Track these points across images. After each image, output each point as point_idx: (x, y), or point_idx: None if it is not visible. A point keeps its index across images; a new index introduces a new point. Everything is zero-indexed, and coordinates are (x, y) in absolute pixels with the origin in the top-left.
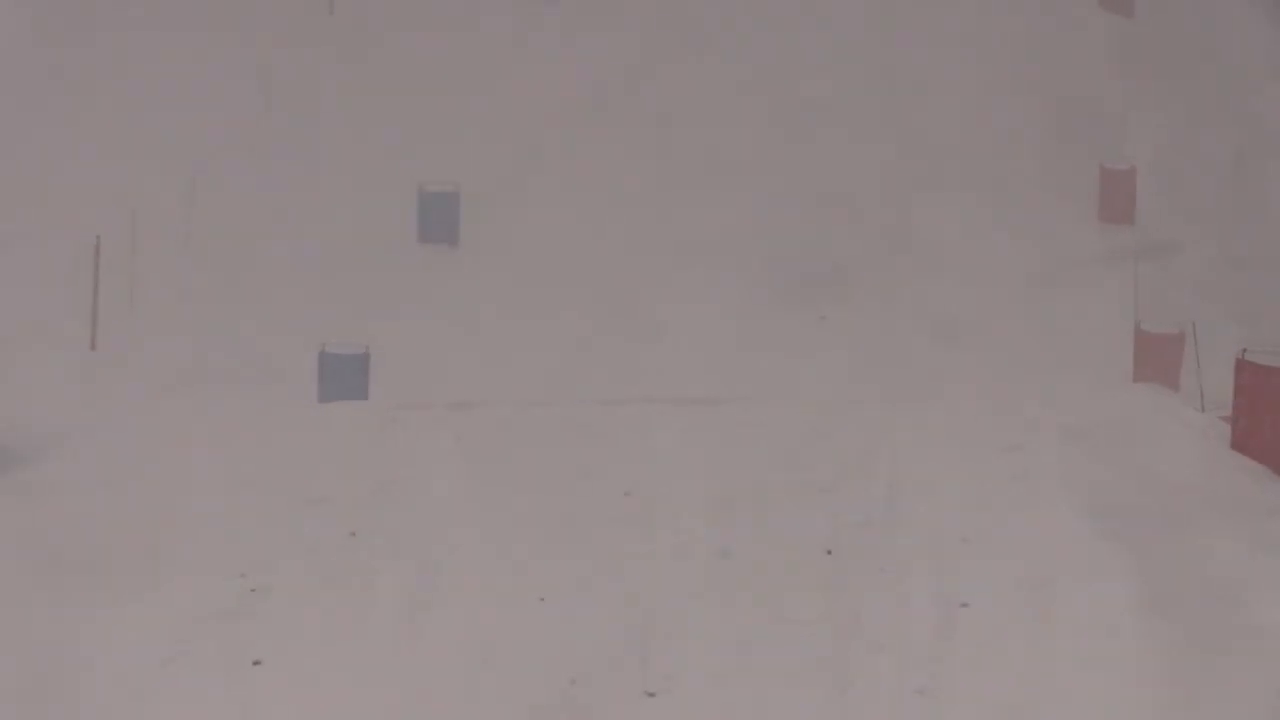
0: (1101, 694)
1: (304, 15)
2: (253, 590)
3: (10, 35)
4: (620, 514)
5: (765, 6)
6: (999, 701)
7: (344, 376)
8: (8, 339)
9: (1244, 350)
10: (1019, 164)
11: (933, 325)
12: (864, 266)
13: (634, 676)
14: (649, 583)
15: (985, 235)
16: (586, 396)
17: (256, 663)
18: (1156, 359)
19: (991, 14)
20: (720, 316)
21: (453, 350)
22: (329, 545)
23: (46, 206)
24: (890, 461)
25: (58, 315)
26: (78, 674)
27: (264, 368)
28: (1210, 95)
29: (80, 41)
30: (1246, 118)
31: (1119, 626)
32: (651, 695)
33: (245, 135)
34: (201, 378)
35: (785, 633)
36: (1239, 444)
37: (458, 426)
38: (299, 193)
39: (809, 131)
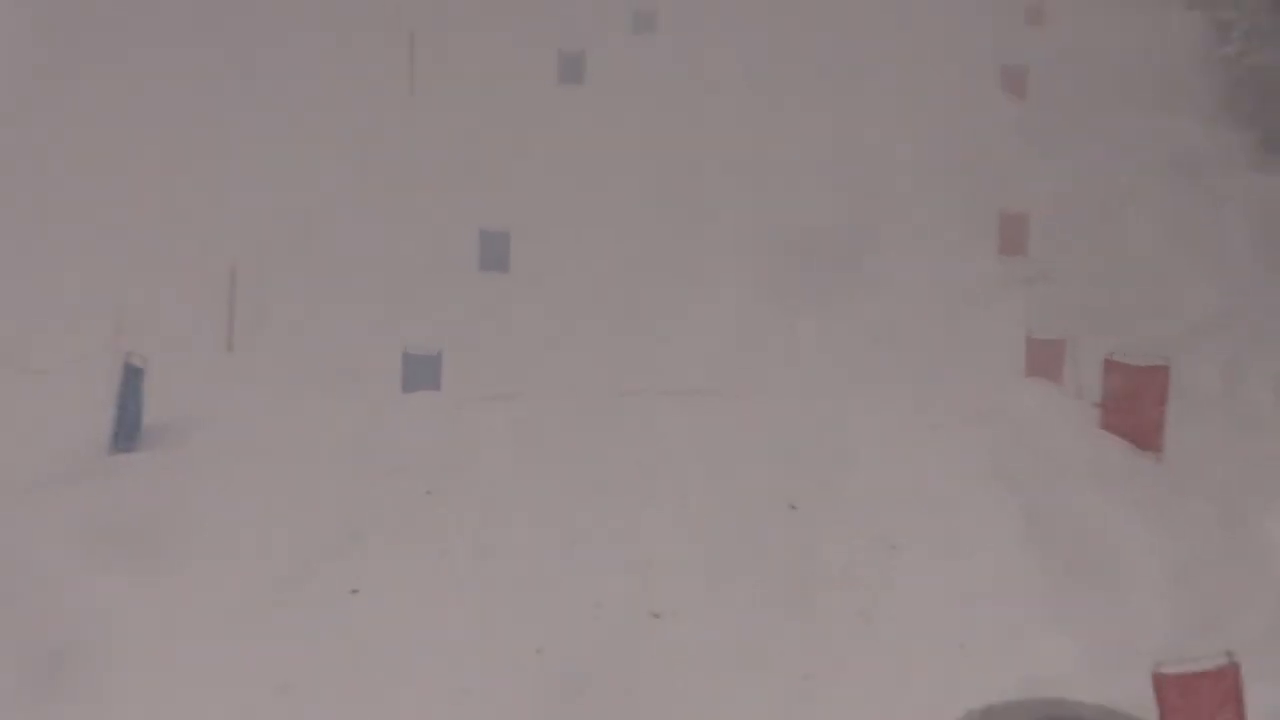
0: (1001, 612)
1: (392, 95)
2: (351, 536)
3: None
4: (632, 479)
5: (753, 92)
6: (922, 620)
7: (421, 373)
8: (168, 342)
9: (1111, 353)
10: (939, 209)
11: (874, 334)
12: (823, 290)
13: (643, 602)
14: (655, 531)
15: (913, 264)
16: (607, 389)
17: (354, 591)
18: (1043, 360)
19: (921, 96)
20: (712, 328)
21: (505, 353)
22: (410, 501)
23: (197, 239)
24: (841, 437)
25: (204, 325)
26: (211, 594)
27: (361, 366)
28: (1083, 156)
29: (218, 114)
30: (1110, 174)
31: (1013, 560)
32: (656, 616)
33: (348, 186)
34: (313, 374)
35: (760, 566)
36: (1107, 425)
37: (508, 411)
38: (388, 230)
39: (787, 184)
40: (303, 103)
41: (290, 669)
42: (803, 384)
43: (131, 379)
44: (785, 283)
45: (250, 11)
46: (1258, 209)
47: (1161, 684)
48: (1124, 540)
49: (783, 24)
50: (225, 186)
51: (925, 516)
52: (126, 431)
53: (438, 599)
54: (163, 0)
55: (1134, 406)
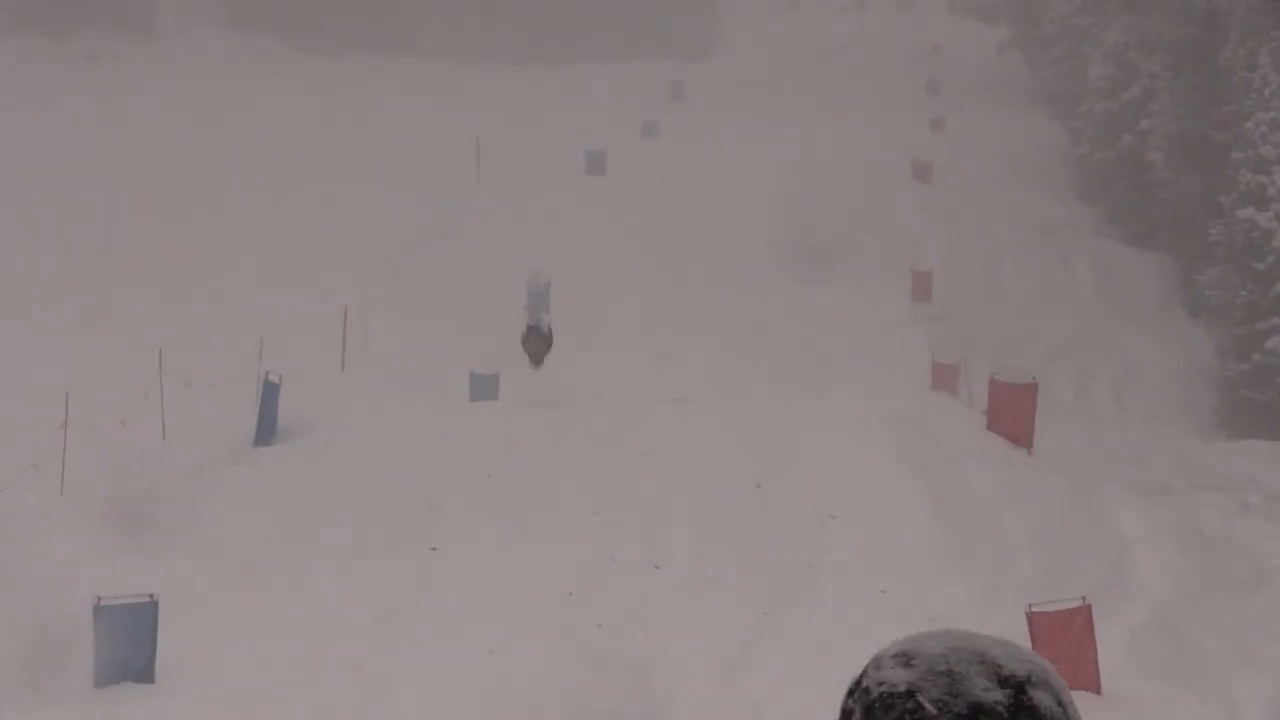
0: (912, 566)
1: (463, 182)
2: (430, 507)
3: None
4: (640, 464)
5: (727, 182)
6: (853, 572)
7: (484, 387)
8: (297, 364)
9: (994, 373)
10: (867, 265)
11: (818, 359)
12: (780, 328)
13: (647, 556)
14: (656, 503)
15: (848, 306)
16: (622, 399)
17: (433, 549)
18: (943, 378)
19: (856, 183)
20: (699, 354)
21: (545, 373)
22: (475, 482)
23: (318, 288)
24: (794, 434)
25: (323, 351)
26: (327, 548)
27: (438, 382)
28: (973, 227)
29: (334, 192)
30: (992, 239)
31: (921, 527)
32: (657, 567)
33: (430, 248)
34: (403, 388)
35: (732, 529)
36: (991, 427)
37: (549, 415)
38: (460, 281)
39: (754, 250)
40: (399, 187)
41: (385, 606)
42: (766, 395)
43: (270, 392)
44: (753, 319)
45: (363, 120)
46: (1100, 264)
47: (1033, 620)
48: (1003, 512)
49: (750, 135)
50: (339, 248)
51: (856, 494)
52: (266, 431)
53: (495, 554)
54: (316, 106)
55: (1011, 414)
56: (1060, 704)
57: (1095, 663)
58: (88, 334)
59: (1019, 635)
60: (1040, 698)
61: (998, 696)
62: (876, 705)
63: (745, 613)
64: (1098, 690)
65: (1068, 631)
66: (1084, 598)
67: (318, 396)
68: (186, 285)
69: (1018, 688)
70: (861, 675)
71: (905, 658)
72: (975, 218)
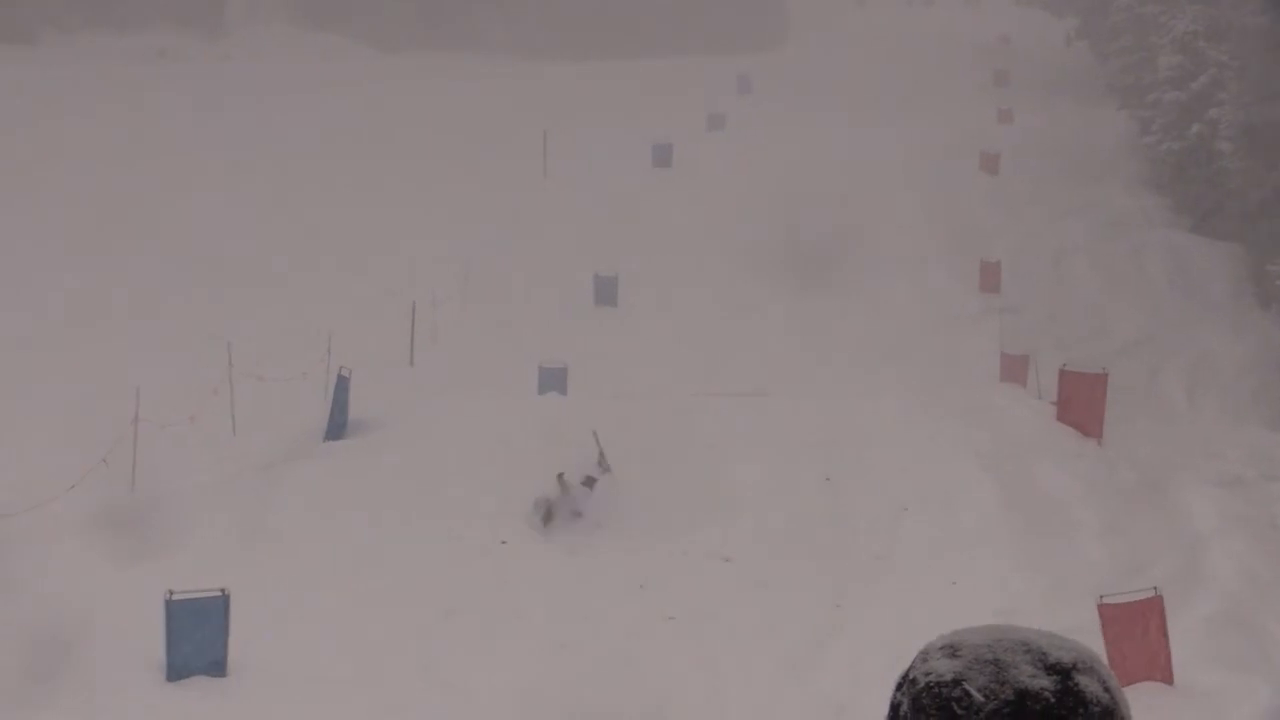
0: (982, 558)
1: (531, 177)
2: (502, 501)
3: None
4: (709, 459)
5: (794, 173)
6: (923, 563)
7: (552, 380)
8: (366, 359)
9: (1063, 365)
10: (936, 260)
11: (885, 351)
12: (845, 320)
13: (718, 549)
14: (726, 496)
15: (918, 300)
16: (691, 392)
17: (503, 542)
18: (1013, 370)
19: (924, 177)
20: (769, 348)
21: (613, 366)
22: (544, 463)
23: (387, 286)
24: (864, 427)
25: (392, 346)
26: (394, 536)
27: (507, 376)
28: (1042, 219)
29: (403, 195)
30: (1060, 230)
31: (991, 519)
32: (727, 560)
33: (498, 244)
34: (472, 382)
35: (802, 522)
36: (1060, 418)
37: (618, 409)
38: (527, 276)
39: (823, 243)
40: (467, 183)
41: (457, 600)
42: (837, 389)
43: (341, 386)
44: (821, 311)
45: (429, 116)
46: (1169, 256)
47: (1104, 612)
48: (1073, 504)
49: (817, 127)
50: (407, 246)
51: (926, 486)
52: (337, 425)
53: (566, 548)
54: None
55: (1081, 404)
56: (1107, 690)
57: (1167, 654)
58: (159, 329)
59: (1090, 627)
60: (1086, 684)
61: (1044, 683)
62: (924, 696)
63: (816, 606)
64: (1170, 681)
65: (1139, 623)
66: (1155, 589)
67: (388, 391)
68: (256, 280)
69: (1064, 674)
70: (909, 668)
71: (952, 649)
72: (1043, 209)
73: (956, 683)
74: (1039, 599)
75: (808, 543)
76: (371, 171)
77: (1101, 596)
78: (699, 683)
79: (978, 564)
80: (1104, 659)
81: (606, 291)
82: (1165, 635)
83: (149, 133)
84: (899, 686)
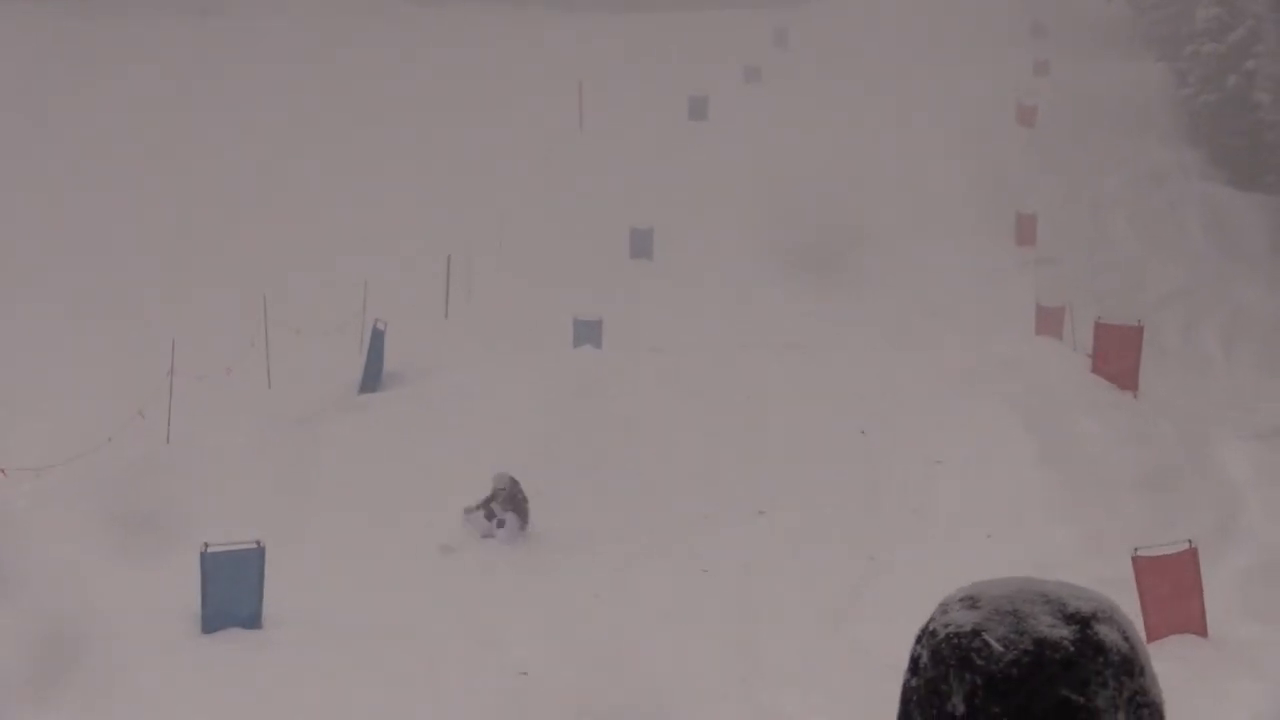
0: (1017, 510)
1: (566, 129)
2: (535, 453)
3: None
4: (744, 410)
5: (829, 125)
6: (958, 516)
7: (587, 333)
8: (401, 311)
9: (1099, 317)
10: (971, 213)
11: (922, 302)
12: (884, 275)
13: (751, 502)
14: (761, 449)
15: (953, 254)
16: (725, 344)
17: (538, 494)
18: (1049, 322)
19: (960, 129)
20: (804, 300)
21: (648, 319)
22: (579, 427)
23: (422, 236)
24: (899, 380)
25: (427, 298)
26: (431, 485)
27: (541, 328)
28: (1079, 171)
29: (438, 145)
30: (1097, 183)
31: (1027, 471)
32: (761, 513)
33: (533, 195)
34: (506, 335)
35: (837, 475)
36: (1096, 371)
37: (653, 361)
38: (563, 228)
39: (856, 194)
40: (503, 136)
41: (493, 553)
42: (872, 342)
43: (376, 339)
44: (855, 265)
45: (464, 68)
46: (1206, 208)
47: (1139, 564)
48: (1109, 456)
49: (852, 76)
50: (441, 197)
51: (961, 439)
52: (372, 378)
53: (599, 501)
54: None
55: (1117, 357)
56: (1126, 639)
57: (1202, 606)
58: (195, 282)
59: (1126, 579)
60: (1105, 632)
61: (1063, 633)
62: (943, 646)
63: (851, 558)
64: (1204, 634)
65: (1174, 575)
66: (1190, 542)
67: (423, 344)
68: (293, 233)
69: (1083, 624)
70: (929, 620)
71: (971, 601)
72: (1080, 162)
73: (976, 633)
74: (1074, 551)
75: (842, 495)
76: (407, 124)
77: (1136, 549)
78: (734, 634)
79: (1013, 517)
80: (1137, 611)
81: (642, 244)
82: (1200, 588)
83: (198, 84)
84: (919, 639)
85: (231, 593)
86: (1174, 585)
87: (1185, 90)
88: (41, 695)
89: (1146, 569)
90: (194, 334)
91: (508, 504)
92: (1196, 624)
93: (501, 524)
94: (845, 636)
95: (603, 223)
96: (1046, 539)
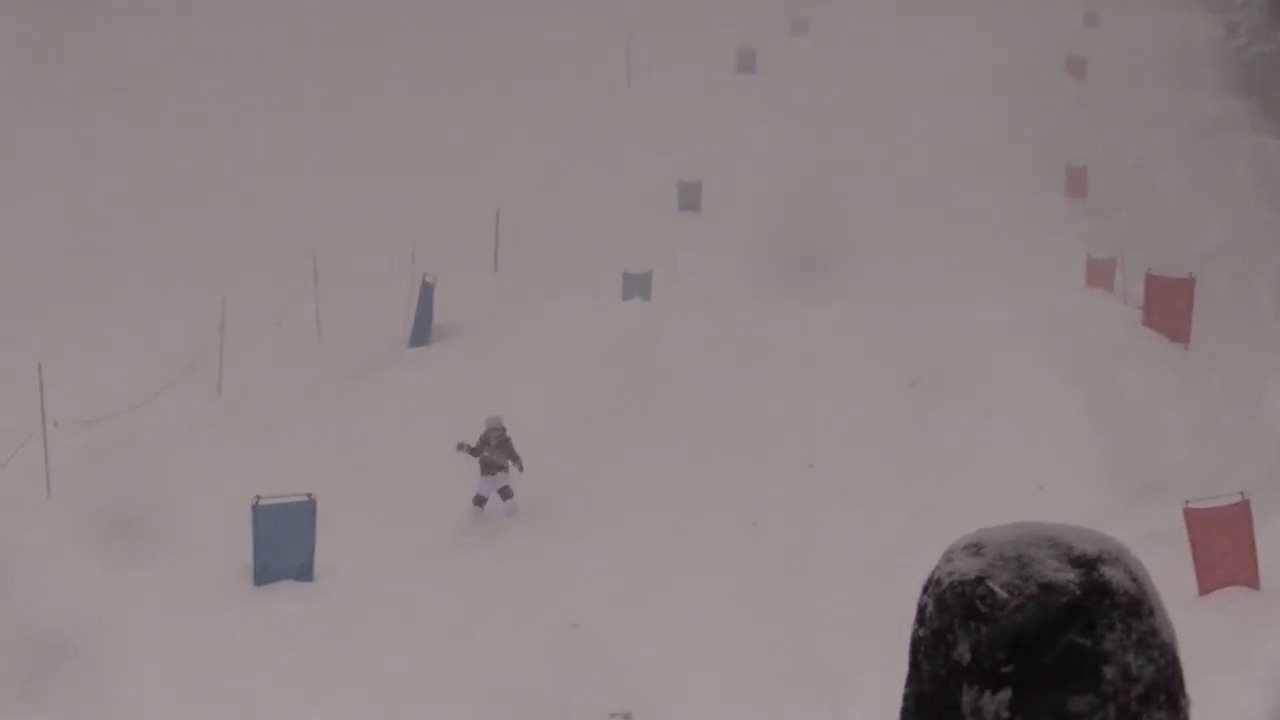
0: (1069, 462)
1: (614, 82)
2: (586, 407)
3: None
4: (794, 364)
5: (878, 78)
6: (1010, 468)
7: (636, 286)
8: (451, 264)
9: (1150, 269)
10: (1021, 166)
11: (970, 258)
12: (929, 226)
13: (801, 455)
14: (810, 402)
15: (1003, 205)
16: (774, 297)
17: (588, 448)
18: (1099, 274)
19: (1009, 81)
20: (852, 251)
21: (697, 272)
22: (630, 380)
23: (471, 189)
24: (948, 332)
25: (476, 251)
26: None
27: (591, 282)
28: (1129, 124)
29: (487, 95)
30: (1148, 136)
31: (1078, 423)
32: (811, 465)
33: (582, 148)
34: (554, 287)
35: (885, 428)
36: (1147, 323)
37: (702, 313)
38: (611, 181)
39: (905, 145)
40: (551, 90)
41: (542, 506)
42: (921, 294)
43: (426, 292)
44: (906, 217)
45: (509, 24)
46: (1257, 160)
47: (1190, 516)
48: (1160, 408)
49: (900, 29)
50: (491, 149)
51: (1011, 391)
52: (421, 331)
53: (647, 452)
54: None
55: (1168, 309)
56: (1134, 580)
57: (1254, 559)
58: (245, 236)
59: (1177, 531)
60: (1112, 574)
61: (1069, 576)
62: (948, 595)
63: (900, 510)
64: (1256, 585)
65: (1226, 528)
66: (1243, 494)
67: (471, 297)
68: (341, 186)
69: (1089, 566)
70: (934, 569)
71: (975, 548)
72: (1131, 114)
73: (980, 580)
74: (1125, 503)
75: (892, 448)
76: (455, 78)
77: (1188, 501)
78: (784, 586)
79: (1064, 468)
80: (1188, 564)
81: (690, 197)
82: (1252, 540)
83: (244, 36)
84: (925, 589)
85: (283, 545)
86: (1226, 537)
87: (1236, 41)
88: (96, 646)
89: (1198, 521)
90: (244, 289)
91: (502, 449)
92: (1248, 576)
93: (507, 493)
94: (895, 589)
95: (651, 175)
96: (1097, 491)
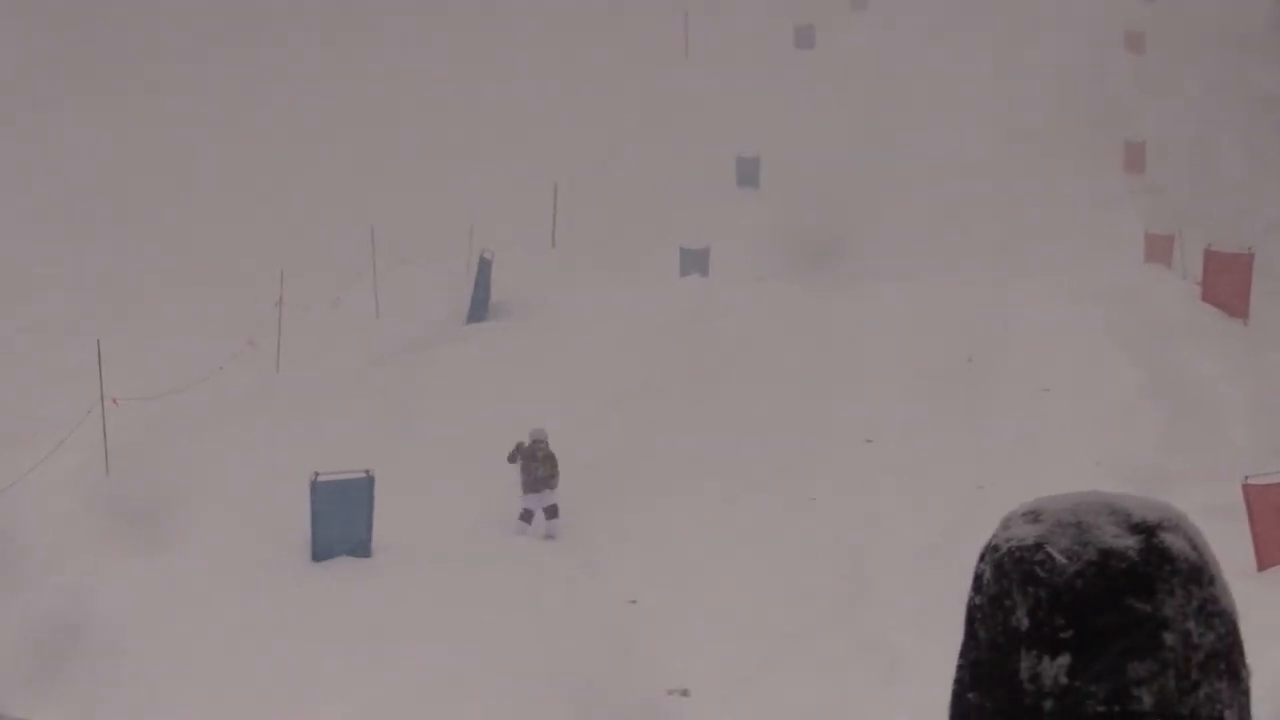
0: (1126, 437)
1: (672, 58)
2: (644, 382)
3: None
4: (851, 339)
5: (936, 53)
6: (1067, 444)
7: (693, 262)
8: (508, 240)
9: (1209, 244)
10: (1078, 140)
11: (1029, 232)
12: (987, 201)
13: (859, 430)
14: (867, 374)
15: (1060, 180)
16: (832, 273)
17: (647, 423)
18: (1157, 250)
19: (1064, 55)
20: (911, 227)
21: (755, 247)
22: (686, 336)
23: (528, 165)
24: (1007, 308)
25: (534, 228)
26: (536, 406)
27: (647, 257)
28: (1188, 98)
29: (545, 75)
30: (1206, 110)
31: (1135, 399)
32: (869, 441)
33: (640, 124)
34: (612, 263)
35: (944, 403)
36: (1205, 298)
37: (757, 288)
38: (670, 157)
39: (963, 121)
40: (609, 64)
41: (601, 481)
42: (978, 269)
43: (484, 269)
44: (964, 192)
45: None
46: None
47: (1249, 492)
48: (1218, 384)
49: (958, 4)
50: (548, 126)
51: (1069, 366)
52: (479, 307)
53: (707, 427)
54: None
55: (1226, 284)
56: (1195, 547)
57: None
58: (303, 212)
59: (1236, 507)
60: (1172, 541)
61: (1128, 542)
62: (1006, 561)
63: (956, 486)
64: None
65: None
66: None
67: (529, 274)
68: (398, 163)
69: (1148, 533)
70: (992, 536)
71: (1034, 514)
72: (1189, 88)
73: (1038, 546)
74: (1183, 479)
75: (950, 423)
76: (512, 53)
77: (1247, 477)
78: (841, 563)
79: (1121, 444)
80: (1247, 539)
81: (749, 172)
82: None
83: (313, 7)
84: (982, 556)
85: (341, 521)
86: None
87: None
88: (155, 620)
89: (1258, 497)
90: (302, 264)
91: (548, 463)
92: None
93: (553, 512)
94: (954, 566)
95: (709, 151)
96: (1155, 467)
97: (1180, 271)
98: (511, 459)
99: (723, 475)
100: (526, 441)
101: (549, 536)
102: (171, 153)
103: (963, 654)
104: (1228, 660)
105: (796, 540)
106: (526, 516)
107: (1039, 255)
